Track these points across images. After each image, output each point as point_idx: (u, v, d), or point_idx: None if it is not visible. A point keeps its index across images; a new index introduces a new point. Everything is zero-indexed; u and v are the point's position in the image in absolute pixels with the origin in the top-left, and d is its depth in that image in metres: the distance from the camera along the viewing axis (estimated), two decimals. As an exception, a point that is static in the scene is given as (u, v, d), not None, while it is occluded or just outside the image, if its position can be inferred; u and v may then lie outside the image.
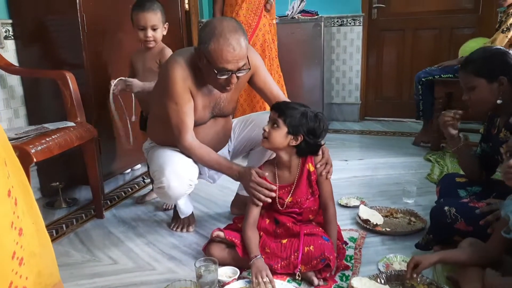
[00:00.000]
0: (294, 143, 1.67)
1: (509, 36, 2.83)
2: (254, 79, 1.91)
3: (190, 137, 1.79)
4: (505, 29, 2.84)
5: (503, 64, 1.66)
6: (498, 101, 1.66)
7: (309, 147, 1.69)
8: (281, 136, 1.66)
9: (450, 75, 3.07)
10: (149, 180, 2.81)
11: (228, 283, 1.59)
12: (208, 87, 1.82)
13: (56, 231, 2.17)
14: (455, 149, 1.87)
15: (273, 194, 1.71)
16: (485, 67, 1.67)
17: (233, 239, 1.70)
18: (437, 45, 3.99)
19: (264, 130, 1.67)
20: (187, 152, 1.81)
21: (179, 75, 1.73)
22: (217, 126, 1.96)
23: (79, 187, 2.69)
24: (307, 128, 1.65)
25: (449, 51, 3.91)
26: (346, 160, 3.08)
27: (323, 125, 1.68)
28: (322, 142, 1.73)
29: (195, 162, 1.86)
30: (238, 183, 2.24)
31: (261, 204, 1.72)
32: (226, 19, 1.70)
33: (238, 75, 1.69)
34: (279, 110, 1.67)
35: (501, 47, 1.77)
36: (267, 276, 1.54)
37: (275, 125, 1.66)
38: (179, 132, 1.78)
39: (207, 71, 1.70)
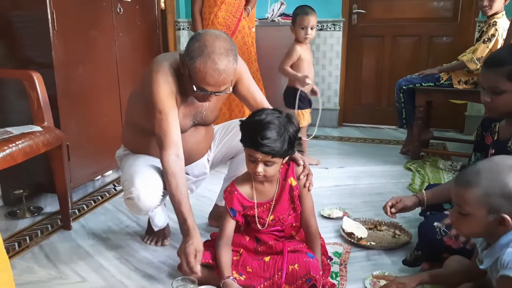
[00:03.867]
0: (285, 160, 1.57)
1: (490, 47, 2.83)
2: (238, 87, 1.80)
3: (172, 156, 1.60)
4: (486, 39, 2.84)
5: None
6: None
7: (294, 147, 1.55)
8: (278, 167, 1.53)
9: (431, 84, 3.05)
10: (120, 187, 2.67)
11: (207, 304, 1.48)
12: (190, 96, 1.70)
13: (18, 244, 2.00)
14: None
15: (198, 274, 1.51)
16: None
17: (209, 261, 1.58)
18: (416, 53, 3.99)
19: (258, 172, 1.48)
20: (163, 169, 1.64)
21: (164, 81, 1.61)
22: (198, 135, 1.84)
23: (45, 195, 2.51)
24: (292, 140, 1.50)
25: (427, 59, 3.91)
26: (327, 168, 3.01)
27: (295, 123, 1.51)
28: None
29: None
30: (217, 193, 2.16)
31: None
32: (220, 38, 1.55)
33: (216, 95, 1.60)
34: (268, 150, 1.43)
35: None
36: None
37: (269, 163, 1.48)
38: (162, 145, 1.61)
39: (188, 81, 1.59)
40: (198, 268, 1.50)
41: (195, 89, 1.55)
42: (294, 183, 1.62)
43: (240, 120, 1.56)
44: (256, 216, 1.61)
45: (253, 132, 1.45)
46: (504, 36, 2.77)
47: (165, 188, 1.70)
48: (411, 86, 3.10)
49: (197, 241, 1.54)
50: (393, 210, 1.78)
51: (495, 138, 1.66)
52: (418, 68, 3.30)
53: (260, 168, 1.47)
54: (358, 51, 4.16)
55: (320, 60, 4.13)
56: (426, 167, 2.97)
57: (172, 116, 1.62)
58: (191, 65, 1.52)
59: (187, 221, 1.56)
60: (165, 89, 1.60)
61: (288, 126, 1.48)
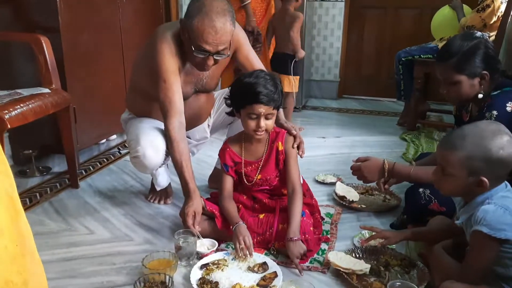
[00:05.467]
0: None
1: (482, 16, 2.86)
2: (237, 55, 1.88)
3: (176, 123, 1.69)
4: (480, 8, 2.87)
5: (485, 57, 1.58)
6: (480, 95, 1.61)
7: None
8: (274, 120, 1.66)
9: (430, 56, 3.10)
10: (125, 151, 2.77)
11: (206, 255, 1.60)
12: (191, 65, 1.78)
13: (29, 199, 2.12)
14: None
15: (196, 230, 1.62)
16: (467, 63, 1.58)
17: (213, 210, 1.71)
18: (418, 25, 4.01)
19: (261, 127, 1.60)
20: (167, 136, 1.73)
21: (168, 51, 1.69)
22: (199, 102, 1.93)
23: (52, 156, 2.62)
24: (281, 94, 1.64)
25: (429, 31, 3.92)
26: (324, 138, 3.10)
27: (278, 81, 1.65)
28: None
29: None
30: (217, 157, 2.25)
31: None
32: (218, 0, 1.62)
33: (215, 58, 1.66)
34: (271, 101, 1.57)
35: (481, 37, 1.65)
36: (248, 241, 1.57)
37: (269, 116, 1.61)
38: (166, 113, 1.70)
39: (188, 46, 1.67)
40: (197, 229, 1.62)
41: (193, 49, 1.62)
42: (281, 147, 1.74)
43: (230, 88, 1.67)
44: (243, 173, 1.73)
45: (252, 89, 1.56)
46: (502, 9, 2.80)
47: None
48: (410, 58, 3.16)
49: (197, 203, 1.66)
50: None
51: (468, 118, 1.77)
52: (419, 41, 3.33)
53: (263, 122, 1.60)
54: (360, 22, 4.18)
55: (322, 31, 4.16)
56: (421, 138, 3.06)
57: (176, 85, 1.70)
58: (190, 24, 1.60)
59: (188, 185, 1.68)
60: (169, 59, 1.68)
61: (277, 81, 1.62)
